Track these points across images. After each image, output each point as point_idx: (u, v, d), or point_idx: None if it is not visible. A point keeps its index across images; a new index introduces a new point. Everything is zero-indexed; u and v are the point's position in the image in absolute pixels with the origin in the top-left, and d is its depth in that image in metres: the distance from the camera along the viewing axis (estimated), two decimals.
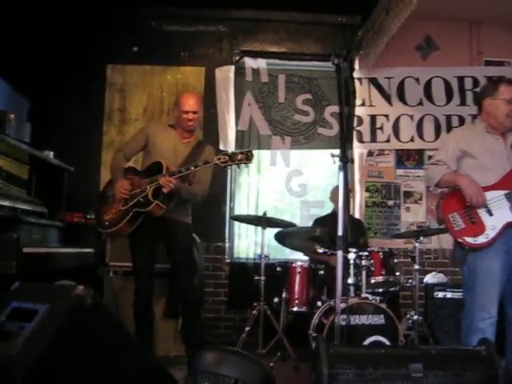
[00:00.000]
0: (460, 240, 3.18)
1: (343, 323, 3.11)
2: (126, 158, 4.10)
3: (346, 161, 2.70)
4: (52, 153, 4.53)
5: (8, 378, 1.96)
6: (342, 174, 2.71)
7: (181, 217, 3.97)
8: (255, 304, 4.38)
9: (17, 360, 1.96)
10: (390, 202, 5.68)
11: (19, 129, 4.01)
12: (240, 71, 5.64)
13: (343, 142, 2.86)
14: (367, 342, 3.75)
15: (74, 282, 3.62)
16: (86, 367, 2.09)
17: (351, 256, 3.91)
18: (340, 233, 2.69)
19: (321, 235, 4.36)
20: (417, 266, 4.29)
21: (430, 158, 5.64)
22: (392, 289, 4.39)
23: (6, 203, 3.66)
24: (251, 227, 5.38)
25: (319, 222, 5.04)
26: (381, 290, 4.31)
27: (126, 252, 4.07)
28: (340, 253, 2.73)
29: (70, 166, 4.66)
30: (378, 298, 4.07)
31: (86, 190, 4.92)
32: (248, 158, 3.58)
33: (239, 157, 3.58)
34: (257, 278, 4.36)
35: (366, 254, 4.15)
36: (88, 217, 4.66)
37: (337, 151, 2.84)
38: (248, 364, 2.12)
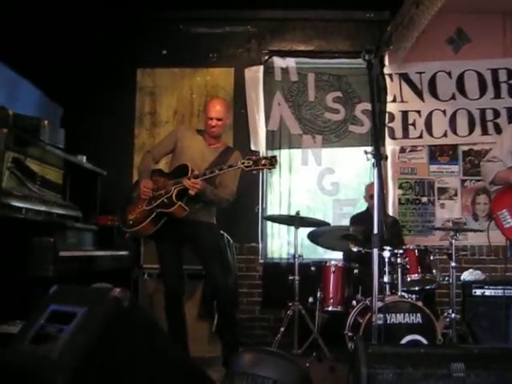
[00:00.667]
0: (509, 237, 3.13)
1: (380, 322, 3.07)
2: (155, 159, 4.15)
3: (379, 158, 2.67)
4: (85, 157, 4.58)
5: (49, 381, 1.98)
6: (376, 171, 2.67)
7: (204, 217, 3.98)
8: (290, 304, 4.38)
9: (57, 363, 1.98)
10: (424, 199, 5.59)
11: (53, 135, 4.06)
12: (269, 71, 5.64)
13: (376, 138, 2.82)
14: (404, 341, 3.69)
15: (109, 284, 3.66)
16: (124, 369, 2.10)
17: (386, 254, 3.85)
18: (375, 230, 2.66)
19: (354, 233, 4.31)
20: (453, 264, 4.21)
21: (464, 153, 5.58)
22: (428, 287, 4.32)
23: (42, 208, 3.72)
24: (283, 227, 5.37)
25: (356, 219, 5.00)
26: (417, 288, 4.26)
27: None
28: (375, 251, 2.69)
29: (103, 170, 4.71)
30: (414, 296, 4.02)
31: (119, 193, 4.94)
32: (272, 163, 3.59)
33: (263, 162, 3.59)
34: (291, 277, 4.36)
35: (401, 251, 4.09)
36: None
37: (369, 148, 2.80)
38: (286, 365, 2.10)
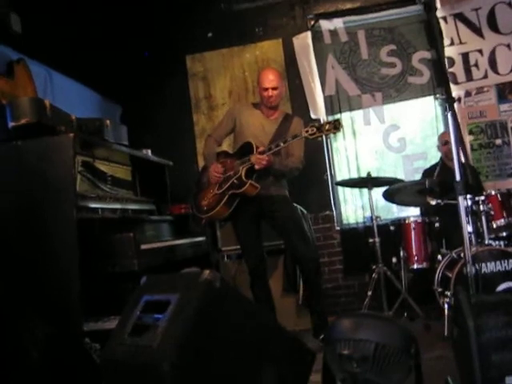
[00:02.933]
0: None
1: (473, 272, 2.96)
2: (217, 142, 4.18)
3: (452, 101, 2.53)
4: (150, 151, 4.63)
5: (153, 370, 2.01)
6: (449, 115, 2.54)
7: (276, 191, 3.98)
8: (373, 267, 4.33)
9: (159, 350, 2.01)
10: (498, 141, 5.33)
11: (116, 133, 4.10)
12: (317, 35, 5.48)
13: (445, 81, 2.68)
14: (500, 288, 3.57)
15: None
16: (225, 347, 2.10)
17: (467, 202, 3.71)
18: (457, 177, 2.54)
19: (431, 186, 4.17)
20: None
21: None
22: None
23: (117, 206, 3.78)
24: (355, 191, 5.27)
25: (429, 172, 4.83)
26: (504, 234, 4.07)
27: None
28: (461, 198, 2.58)
29: (169, 161, 4.75)
30: (502, 242, 3.87)
31: (187, 180, 4.99)
32: (336, 127, 3.55)
33: (327, 127, 3.56)
34: (371, 240, 4.32)
35: (483, 198, 3.92)
36: None
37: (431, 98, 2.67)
38: (387, 325, 2.05)
